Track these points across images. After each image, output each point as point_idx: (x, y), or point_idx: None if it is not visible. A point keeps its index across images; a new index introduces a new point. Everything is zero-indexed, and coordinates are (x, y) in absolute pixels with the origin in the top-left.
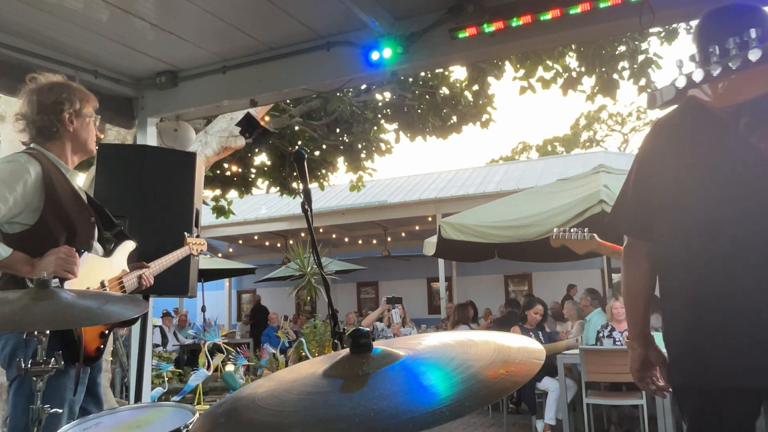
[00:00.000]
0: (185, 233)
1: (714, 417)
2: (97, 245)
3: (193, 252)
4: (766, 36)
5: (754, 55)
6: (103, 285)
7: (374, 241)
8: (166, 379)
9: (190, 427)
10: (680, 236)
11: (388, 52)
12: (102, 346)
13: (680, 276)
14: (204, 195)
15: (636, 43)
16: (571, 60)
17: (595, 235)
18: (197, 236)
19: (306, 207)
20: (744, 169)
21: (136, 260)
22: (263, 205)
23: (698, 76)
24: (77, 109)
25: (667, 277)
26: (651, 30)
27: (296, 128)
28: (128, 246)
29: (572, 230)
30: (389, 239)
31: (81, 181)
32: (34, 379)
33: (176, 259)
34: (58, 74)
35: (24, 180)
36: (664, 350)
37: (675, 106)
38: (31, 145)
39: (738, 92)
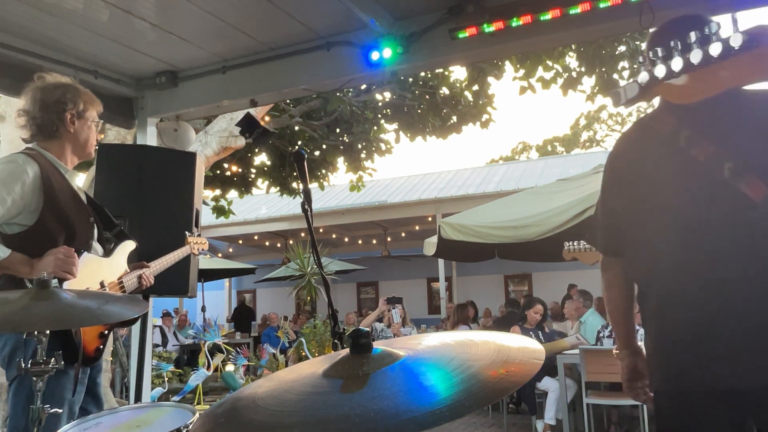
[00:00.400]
0: (186, 232)
1: (681, 421)
2: (96, 245)
3: (194, 251)
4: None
5: (714, 49)
6: (102, 285)
7: (374, 241)
8: (166, 379)
9: (190, 427)
10: (644, 253)
11: (388, 52)
12: (101, 347)
13: (648, 287)
14: (204, 195)
15: (636, 43)
16: (571, 60)
17: None
18: (198, 235)
19: (306, 207)
20: (690, 184)
21: (136, 260)
22: (263, 205)
23: (660, 71)
24: (80, 111)
25: (640, 289)
26: (651, 30)
27: (296, 128)
28: (128, 246)
29: (582, 243)
30: (389, 239)
31: (81, 181)
32: (34, 379)
33: (177, 259)
34: (66, 76)
35: (22, 180)
36: None
37: (628, 132)
38: (30, 145)
39: (700, 87)
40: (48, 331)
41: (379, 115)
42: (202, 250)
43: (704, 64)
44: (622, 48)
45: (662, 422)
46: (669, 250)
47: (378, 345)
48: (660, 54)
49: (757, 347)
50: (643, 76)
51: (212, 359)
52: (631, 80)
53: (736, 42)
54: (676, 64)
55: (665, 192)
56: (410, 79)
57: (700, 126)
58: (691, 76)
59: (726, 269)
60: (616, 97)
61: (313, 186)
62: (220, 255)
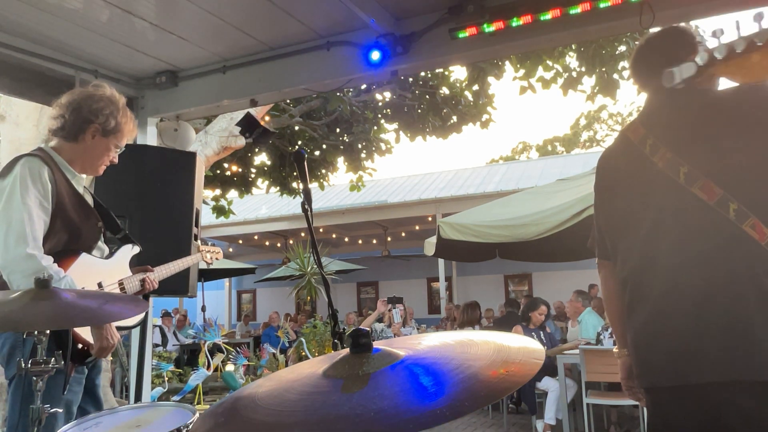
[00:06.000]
0: (198, 243)
1: (659, 415)
2: (103, 246)
3: (206, 260)
4: None
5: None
6: (100, 286)
7: (374, 241)
8: (166, 379)
9: (190, 427)
10: (619, 255)
11: (387, 52)
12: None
13: (624, 287)
14: (204, 195)
15: (636, 43)
16: (571, 60)
17: None
18: (212, 244)
19: (306, 207)
20: (652, 189)
21: (138, 262)
22: (263, 205)
23: (721, 52)
24: (107, 130)
25: (621, 289)
26: (651, 30)
27: (296, 128)
28: (132, 249)
29: None
30: (389, 239)
31: (84, 182)
32: (35, 379)
33: (185, 266)
34: (123, 97)
35: (47, 187)
36: None
37: (612, 142)
38: (41, 146)
39: (761, 69)
40: (48, 331)
41: (379, 115)
42: (217, 258)
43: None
44: (622, 48)
45: (648, 417)
46: (636, 251)
47: (378, 345)
48: (720, 34)
49: (716, 341)
50: (702, 57)
51: (212, 359)
52: (689, 61)
53: None
54: (739, 44)
55: (634, 198)
56: (410, 79)
57: (662, 134)
58: (754, 56)
59: (681, 268)
60: (669, 77)
61: (313, 186)
62: None
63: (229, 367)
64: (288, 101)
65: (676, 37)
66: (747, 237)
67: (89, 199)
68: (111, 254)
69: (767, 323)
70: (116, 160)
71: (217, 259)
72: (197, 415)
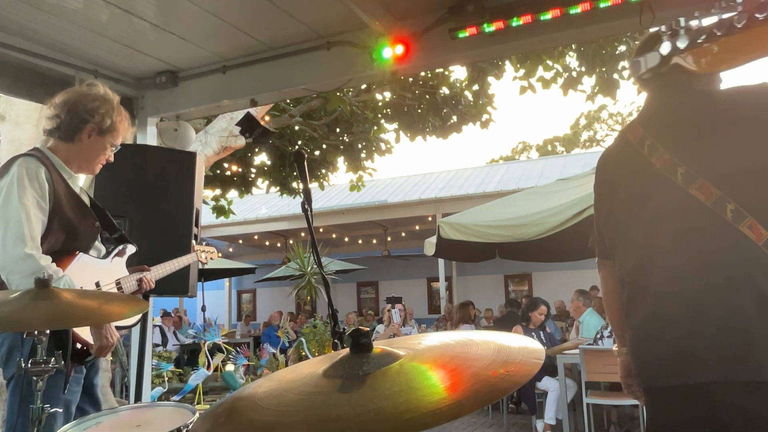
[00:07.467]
0: (193, 242)
1: (657, 415)
2: (100, 246)
3: (201, 259)
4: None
5: (738, 21)
6: (98, 285)
7: (374, 241)
8: (166, 379)
9: (190, 427)
10: (618, 254)
11: (388, 52)
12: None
13: (623, 286)
14: (204, 195)
15: (636, 43)
16: (571, 60)
17: None
18: (207, 244)
19: (306, 207)
20: (650, 190)
21: (137, 262)
22: (263, 205)
23: (683, 42)
24: (103, 129)
25: (621, 288)
26: (651, 30)
27: (296, 128)
28: (129, 250)
29: None
30: (389, 239)
31: (81, 182)
32: (34, 379)
33: (181, 266)
34: (117, 95)
35: (44, 187)
36: None
37: (612, 142)
38: (38, 146)
39: (721, 59)
40: (48, 331)
41: (379, 115)
42: (212, 258)
43: (727, 34)
44: (622, 48)
45: (647, 417)
46: (634, 251)
47: (378, 345)
48: (682, 24)
49: (714, 341)
50: (666, 47)
51: (212, 359)
52: (653, 51)
53: (761, 12)
54: (700, 35)
55: (633, 198)
56: (410, 79)
57: (660, 134)
58: (712, 46)
59: (679, 268)
60: (636, 67)
61: (313, 186)
62: (220, 255)
63: (229, 367)
64: (288, 101)
65: None
66: (744, 237)
67: (86, 199)
68: (108, 254)
69: (764, 323)
70: (112, 159)
71: (212, 258)
72: (197, 415)
